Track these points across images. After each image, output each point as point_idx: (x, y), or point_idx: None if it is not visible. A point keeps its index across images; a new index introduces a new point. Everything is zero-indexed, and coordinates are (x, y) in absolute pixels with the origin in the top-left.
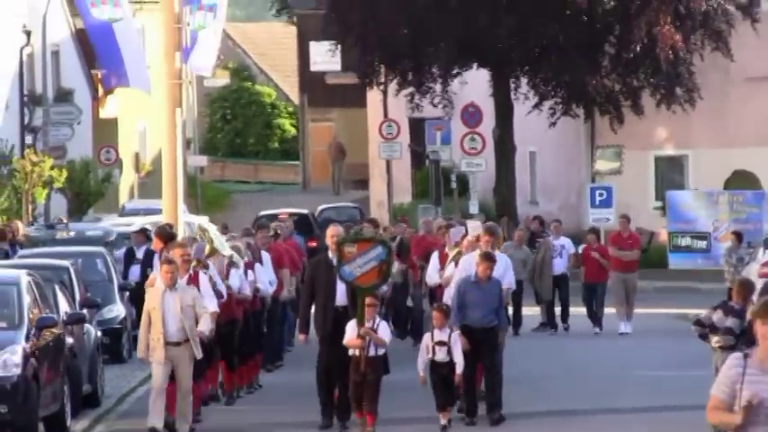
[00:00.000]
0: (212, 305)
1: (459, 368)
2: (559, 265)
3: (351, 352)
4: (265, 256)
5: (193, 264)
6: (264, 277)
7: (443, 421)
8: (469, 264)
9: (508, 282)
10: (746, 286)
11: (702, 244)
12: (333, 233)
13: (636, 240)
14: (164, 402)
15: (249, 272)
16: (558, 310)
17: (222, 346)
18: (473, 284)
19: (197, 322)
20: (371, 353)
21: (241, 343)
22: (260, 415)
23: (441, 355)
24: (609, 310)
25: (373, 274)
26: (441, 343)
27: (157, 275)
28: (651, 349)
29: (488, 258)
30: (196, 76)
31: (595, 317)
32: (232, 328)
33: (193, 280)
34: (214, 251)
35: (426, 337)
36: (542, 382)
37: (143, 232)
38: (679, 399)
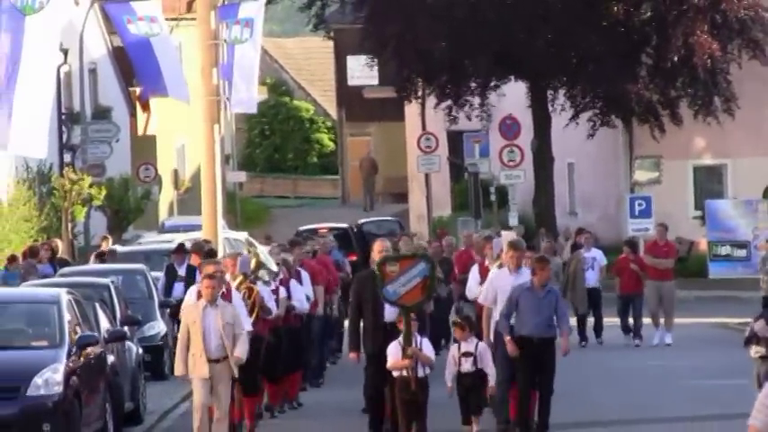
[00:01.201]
0: (247, 324)
1: (492, 379)
2: (591, 278)
3: (396, 373)
4: (303, 272)
5: (239, 279)
6: (301, 294)
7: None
8: (499, 279)
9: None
10: None
11: (742, 252)
12: (380, 248)
13: (671, 249)
14: (208, 420)
15: (282, 289)
16: (591, 321)
17: (245, 364)
18: (528, 291)
19: (235, 342)
20: (420, 373)
21: (275, 360)
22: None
23: (467, 366)
24: (647, 321)
25: (417, 291)
26: (467, 354)
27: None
28: (692, 358)
29: (544, 260)
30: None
31: (633, 328)
32: (258, 346)
33: (226, 298)
34: (260, 264)
35: (453, 349)
36: (583, 392)
37: (182, 249)
38: (720, 408)
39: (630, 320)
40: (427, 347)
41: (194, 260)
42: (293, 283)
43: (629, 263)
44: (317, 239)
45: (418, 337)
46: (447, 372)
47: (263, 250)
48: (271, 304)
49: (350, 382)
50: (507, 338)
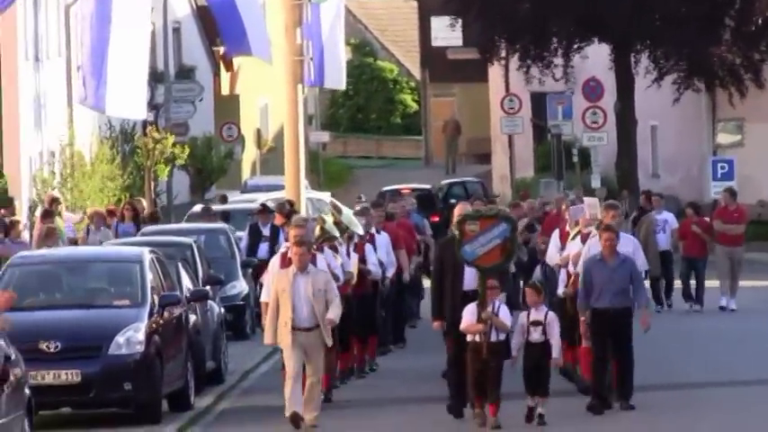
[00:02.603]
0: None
1: (556, 351)
2: (663, 241)
3: (470, 338)
4: (383, 236)
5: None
6: (375, 259)
7: (531, 402)
8: (598, 245)
9: (641, 263)
10: None
11: None
12: (461, 212)
13: (742, 214)
14: (300, 388)
15: (353, 254)
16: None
17: None
18: (599, 263)
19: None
20: (493, 338)
21: (344, 326)
22: (372, 390)
23: (535, 336)
24: (710, 284)
25: (496, 253)
26: (536, 323)
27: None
28: None
29: (608, 229)
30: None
31: (695, 294)
32: None
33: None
34: (324, 233)
35: (523, 316)
36: (660, 355)
37: (265, 209)
38: None
39: (693, 284)
40: (504, 313)
41: (278, 220)
42: (368, 247)
43: (691, 225)
44: (398, 201)
45: (496, 302)
46: (513, 341)
47: (349, 218)
48: (338, 271)
49: (429, 348)
50: (582, 318)
